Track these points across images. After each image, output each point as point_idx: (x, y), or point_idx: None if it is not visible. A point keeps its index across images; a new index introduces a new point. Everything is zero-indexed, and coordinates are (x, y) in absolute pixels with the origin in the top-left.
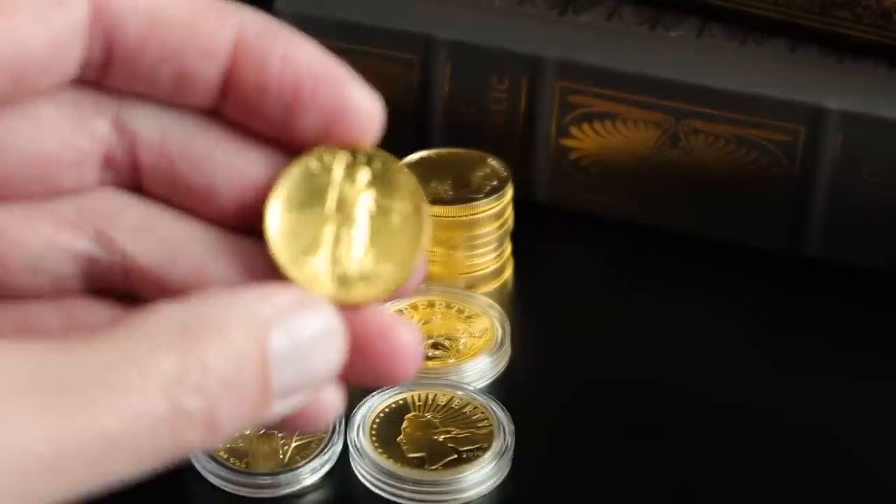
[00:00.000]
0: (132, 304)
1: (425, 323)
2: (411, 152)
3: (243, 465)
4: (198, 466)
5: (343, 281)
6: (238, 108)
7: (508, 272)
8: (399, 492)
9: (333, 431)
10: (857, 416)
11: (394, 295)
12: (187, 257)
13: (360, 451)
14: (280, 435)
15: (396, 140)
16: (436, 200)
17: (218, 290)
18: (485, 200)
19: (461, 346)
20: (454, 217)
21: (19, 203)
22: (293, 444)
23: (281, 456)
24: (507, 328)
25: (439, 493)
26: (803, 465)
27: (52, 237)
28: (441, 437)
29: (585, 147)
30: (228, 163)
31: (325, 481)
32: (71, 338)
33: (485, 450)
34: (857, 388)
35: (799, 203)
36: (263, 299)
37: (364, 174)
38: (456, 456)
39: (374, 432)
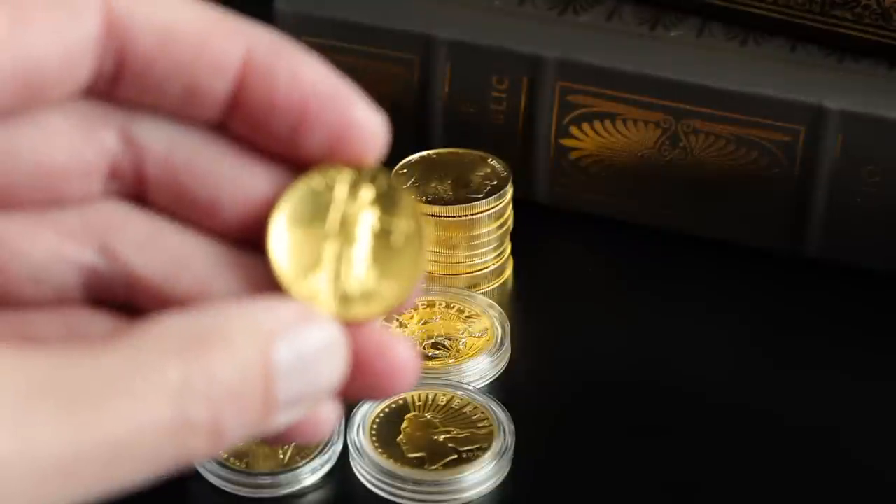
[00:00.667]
0: (133, 316)
1: (425, 323)
2: (411, 152)
3: (243, 465)
4: (198, 466)
5: (344, 299)
6: (245, 124)
7: (508, 272)
8: (399, 492)
9: (333, 431)
10: (858, 416)
11: (393, 312)
12: (190, 271)
13: (360, 451)
14: None
15: (396, 140)
16: (436, 200)
17: (223, 301)
18: (485, 200)
19: (461, 346)
20: (454, 217)
21: (23, 212)
22: (293, 445)
23: (281, 456)
24: (507, 328)
25: (439, 493)
26: (803, 465)
27: (57, 248)
28: (441, 437)
29: (585, 147)
30: (233, 178)
31: (325, 481)
32: (79, 346)
33: (485, 450)
34: (857, 388)
35: (799, 203)
36: (268, 311)
37: (367, 192)
38: (456, 456)
39: (374, 432)
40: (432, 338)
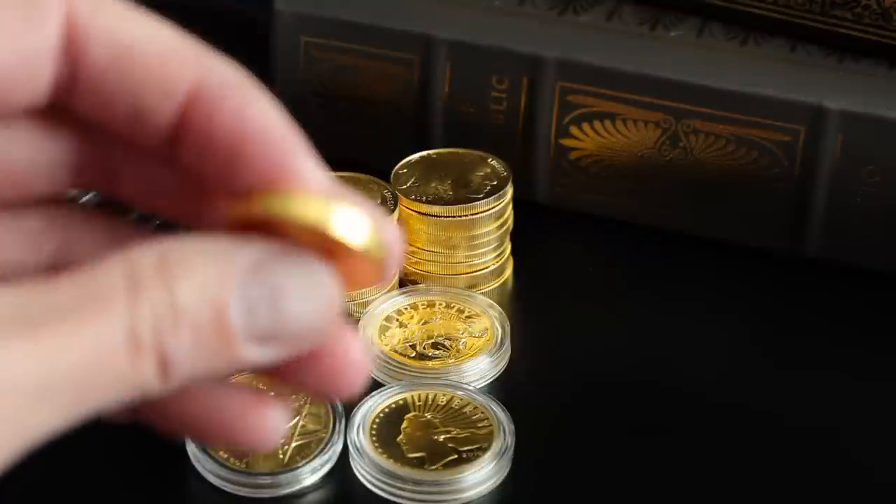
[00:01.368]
0: None
1: (425, 323)
2: (411, 152)
3: (243, 465)
4: (198, 466)
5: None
6: (188, 151)
7: (508, 272)
8: (399, 492)
9: (333, 431)
10: (857, 417)
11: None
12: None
13: (360, 451)
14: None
15: (396, 140)
16: (436, 200)
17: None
18: (485, 200)
19: (461, 346)
20: (454, 217)
21: None
22: (293, 444)
23: (281, 456)
24: (507, 328)
25: (439, 493)
26: (803, 465)
27: (18, 250)
28: (441, 437)
29: (585, 147)
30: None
31: (325, 481)
32: (43, 280)
33: (485, 450)
34: (857, 388)
35: (799, 203)
36: (239, 246)
37: None
38: (456, 456)
39: (374, 432)
40: (432, 338)
